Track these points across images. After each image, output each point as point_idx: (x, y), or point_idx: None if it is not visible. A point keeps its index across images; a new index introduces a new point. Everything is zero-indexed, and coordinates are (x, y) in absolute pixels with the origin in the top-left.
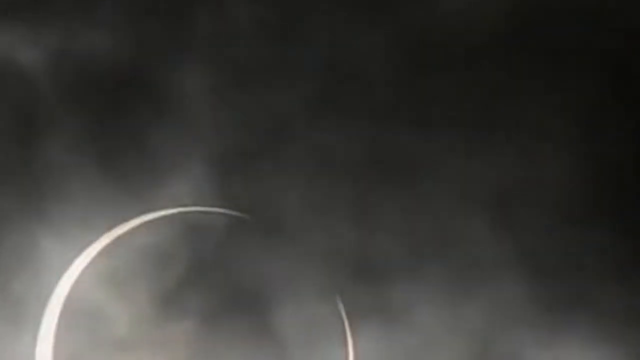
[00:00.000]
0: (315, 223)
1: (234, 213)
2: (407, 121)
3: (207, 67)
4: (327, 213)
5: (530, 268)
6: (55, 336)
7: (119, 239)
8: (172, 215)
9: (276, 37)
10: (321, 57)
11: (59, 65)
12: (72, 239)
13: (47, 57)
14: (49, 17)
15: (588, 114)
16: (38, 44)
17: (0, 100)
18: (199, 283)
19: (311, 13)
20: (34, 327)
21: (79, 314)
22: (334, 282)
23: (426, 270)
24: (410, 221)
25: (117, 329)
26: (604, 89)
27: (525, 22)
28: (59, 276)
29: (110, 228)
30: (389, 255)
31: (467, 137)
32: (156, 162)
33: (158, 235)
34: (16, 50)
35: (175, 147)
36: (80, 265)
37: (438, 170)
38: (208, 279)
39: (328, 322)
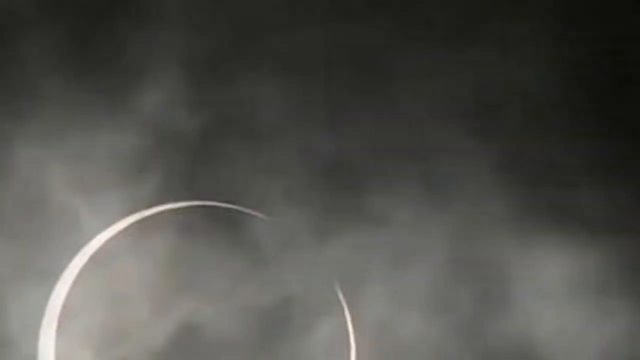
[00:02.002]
0: (290, 129)
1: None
2: (384, 24)
3: None
4: (302, 119)
5: (508, 176)
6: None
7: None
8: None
9: None
10: None
11: None
12: (47, 143)
13: None
14: None
15: (568, 19)
16: None
17: None
18: (173, 195)
19: None
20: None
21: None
22: (309, 187)
23: (403, 177)
24: (387, 127)
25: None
26: None
27: None
28: (29, 179)
29: (84, 131)
30: (365, 161)
31: (446, 43)
32: (130, 69)
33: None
34: None
35: (150, 54)
36: None
37: (416, 77)
38: (182, 190)
39: (302, 229)
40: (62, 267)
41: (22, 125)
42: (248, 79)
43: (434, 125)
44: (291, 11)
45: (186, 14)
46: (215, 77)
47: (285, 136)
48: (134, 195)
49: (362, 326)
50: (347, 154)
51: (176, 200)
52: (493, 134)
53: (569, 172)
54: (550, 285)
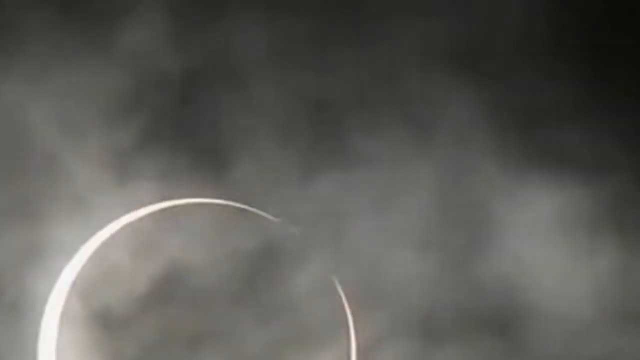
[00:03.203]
0: (275, 69)
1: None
2: None
3: None
4: (287, 59)
5: (495, 116)
6: None
7: None
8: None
9: None
10: None
11: None
12: (30, 82)
13: None
14: None
15: None
16: None
17: None
18: (157, 142)
19: None
20: None
21: None
22: (294, 127)
23: (388, 117)
24: (372, 67)
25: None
26: None
27: None
28: (12, 118)
29: (68, 70)
30: (350, 101)
31: None
32: (116, 8)
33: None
34: None
35: None
36: None
37: (401, 16)
38: (166, 137)
39: (286, 171)
40: (42, 206)
41: (5, 63)
42: (233, 19)
43: (419, 65)
44: None
45: None
46: (200, 17)
47: (270, 77)
48: (118, 136)
49: (348, 266)
50: (332, 94)
51: (159, 141)
52: (480, 73)
53: (555, 111)
54: (538, 224)
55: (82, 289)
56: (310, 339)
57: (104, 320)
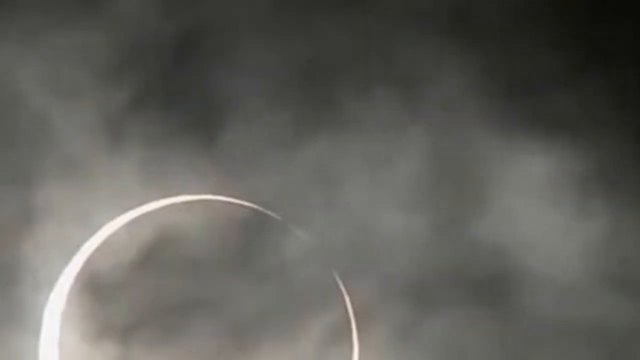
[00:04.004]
0: (267, 32)
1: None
2: None
3: None
4: (278, 21)
5: (487, 79)
6: None
7: None
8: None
9: None
10: None
11: None
12: (20, 43)
13: None
14: None
15: None
16: None
17: None
18: (148, 105)
19: None
20: None
21: None
22: (283, 93)
23: (380, 80)
24: (364, 30)
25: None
26: None
27: None
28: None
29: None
30: (342, 64)
31: None
32: None
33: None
34: None
35: None
36: None
37: None
38: (158, 100)
39: (277, 134)
40: (33, 168)
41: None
42: None
43: (410, 28)
44: None
45: None
46: None
47: (261, 41)
48: (109, 98)
49: (340, 229)
50: (323, 57)
51: (151, 104)
52: (472, 37)
53: (548, 75)
54: (530, 186)
55: (75, 258)
56: (302, 305)
57: (95, 288)
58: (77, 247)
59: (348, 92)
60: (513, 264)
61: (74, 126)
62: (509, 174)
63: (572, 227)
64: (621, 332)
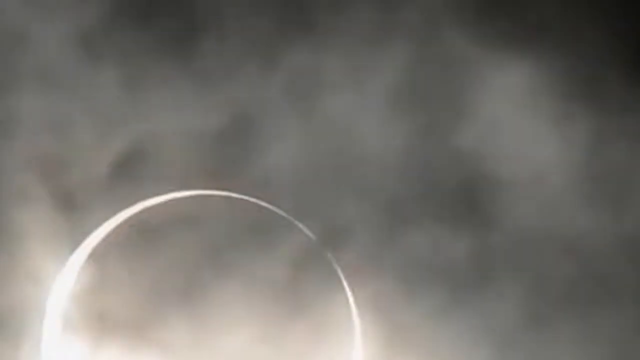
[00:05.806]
0: None
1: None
2: None
3: None
4: None
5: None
6: None
7: None
8: None
9: None
10: None
11: None
12: None
13: None
14: None
15: None
16: None
17: None
18: (124, 20)
19: None
20: None
21: None
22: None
23: None
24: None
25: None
26: None
27: None
28: None
29: None
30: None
31: None
32: None
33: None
34: None
35: None
36: None
37: None
38: (133, 15)
39: (254, 47)
40: (7, 81)
41: None
42: None
43: None
44: None
45: None
46: None
47: None
48: (85, 14)
49: (319, 138)
50: None
51: (126, 20)
52: None
53: None
54: (511, 95)
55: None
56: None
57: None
58: (50, 155)
59: (328, 1)
60: (493, 172)
61: (48, 40)
62: (489, 83)
63: (553, 135)
64: (599, 245)
